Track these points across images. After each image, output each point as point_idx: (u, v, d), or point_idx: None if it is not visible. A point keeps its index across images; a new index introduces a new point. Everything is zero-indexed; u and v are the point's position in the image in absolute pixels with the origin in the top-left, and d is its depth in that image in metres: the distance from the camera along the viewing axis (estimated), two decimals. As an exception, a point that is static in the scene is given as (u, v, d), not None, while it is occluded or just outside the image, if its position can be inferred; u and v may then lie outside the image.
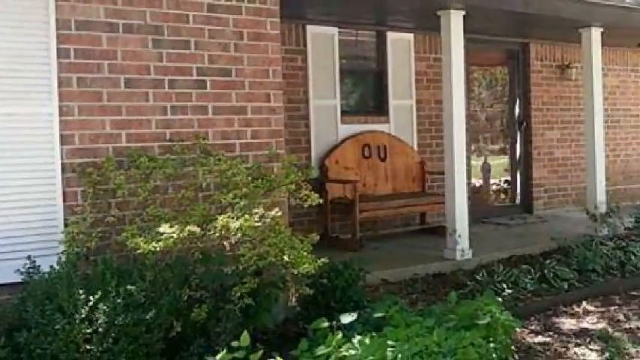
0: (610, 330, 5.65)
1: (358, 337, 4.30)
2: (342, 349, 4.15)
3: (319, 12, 8.34)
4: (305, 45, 8.62)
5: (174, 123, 5.46)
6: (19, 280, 4.52)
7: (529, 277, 6.86)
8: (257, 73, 5.86)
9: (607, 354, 5.07)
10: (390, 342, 4.20)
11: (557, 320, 5.93)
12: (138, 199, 4.93)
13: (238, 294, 4.49)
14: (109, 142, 5.17)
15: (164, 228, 4.38)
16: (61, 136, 5.01)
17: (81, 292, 4.15)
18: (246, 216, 4.49)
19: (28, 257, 4.54)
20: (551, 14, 8.28)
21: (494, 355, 4.30)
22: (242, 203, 4.70)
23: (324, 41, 8.78)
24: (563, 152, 11.26)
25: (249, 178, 5.03)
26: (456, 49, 7.61)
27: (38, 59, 4.98)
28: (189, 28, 5.52)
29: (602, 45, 9.32)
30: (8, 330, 4.23)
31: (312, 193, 5.01)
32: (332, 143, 8.83)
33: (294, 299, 4.83)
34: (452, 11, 7.54)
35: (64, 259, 4.53)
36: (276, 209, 4.74)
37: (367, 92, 9.66)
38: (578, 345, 5.31)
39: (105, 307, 4.10)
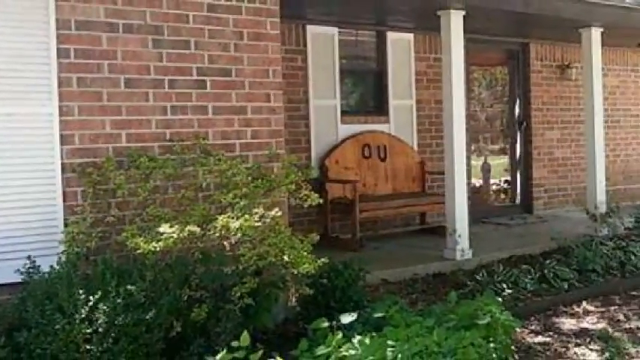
0: (610, 330, 5.65)
1: (358, 337, 4.31)
2: (342, 349, 4.15)
3: (319, 12, 8.35)
4: (305, 45, 8.62)
5: (174, 123, 5.47)
6: (19, 280, 4.52)
7: (529, 277, 6.86)
8: (257, 73, 5.86)
9: (607, 354, 5.07)
10: (390, 342, 4.20)
11: (557, 320, 5.93)
12: (138, 199, 4.93)
13: (238, 294, 4.49)
14: (109, 142, 5.17)
15: (164, 228, 4.38)
16: (61, 136, 5.01)
17: (81, 292, 4.15)
18: (246, 216, 4.49)
19: (28, 257, 4.54)
20: (551, 14, 8.29)
21: (494, 355, 4.30)
22: (242, 203, 4.70)
23: (324, 41, 8.78)
24: (563, 152, 11.27)
25: (249, 178, 5.03)
26: (456, 49, 7.61)
27: (38, 59, 4.98)
28: (189, 28, 5.53)
29: (602, 45, 9.32)
30: (8, 330, 4.23)
31: (312, 193, 5.01)
32: (332, 143, 8.84)
33: (294, 299, 4.84)
34: (452, 11, 7.54)
35: (64, 259, 4.53)
36: (276, 209, 4.74)
37: (367, 92, 9.67)
38: (578, 345, 5.32)
39: (105, 307, 4.10)
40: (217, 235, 4.51)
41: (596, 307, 6.32)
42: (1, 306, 4.40)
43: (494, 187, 11.44)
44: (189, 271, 4.61)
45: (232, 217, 4.50)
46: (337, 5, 8.08)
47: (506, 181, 11.38)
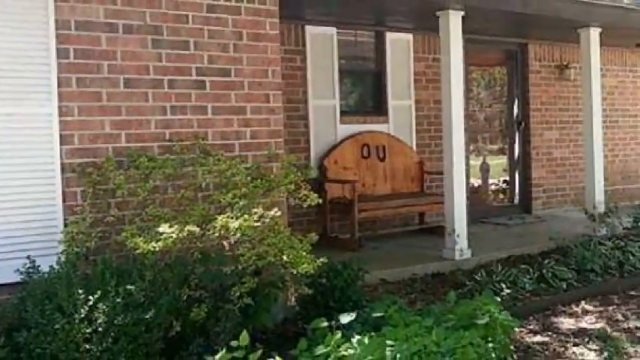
0: (608, 329, 5.66)
1: (357, 337, 4.31)
2: (341, 349, 4.15)
3: (318, 12, 8.35)
4: (304, 45, 8.63)
5: (173, 123, 5.48)
6: (19, 280, 4.53)
7: (528, 276, 6.87)
8: (256, 74, 5.87)
9: (605, 353, 5.08)
10: (388, 341, 4.20)
11: (555, 320, 5.94)
12: (137, 199, 4.94)
13: (237, 294, 4.50)
14: (108, 142, 5.18)
15: (163, 228, 4.38)
16: (61, 136, 5.02)
17: (80, 291, 4.16)
18: (246, 216, 4.50)
19: (28, 257, 4.56)
20: (550, 14, 8.30)
21: (492, 355, 4.30)
22: (241, 203, 4.71)
23: (323, 41, 8.79)
24: (562, 152, 11.28)
25: (249, 178, 5.04)
26: (454, 49, 7.62)
27: (38, 59, 4.99)
28: (188, 28, 5.54)
29: (601, 45, 9.33)
30: (8, 330, 4.24)
31: (311, 193, 5.02)
32: (331, 143, 8.84)
33: (293, 299, 4.85)
34: (451, 12, 7.55)
35: (63, 258, 4.54)
36: (276, 209, 4.75)
37: (366, 92, 9.67)
38: (576, 345, 5.32)
39: (104, 307, 4.11)
40: (217, 235, 4.52)
41: (595, 306, 6.33)
42: (1, 306, 4.42)
43: (492, 187, 11.45)
44: (189, 271, 4.62)
45: (231, 217, 4.51)
46: (336, 6, 8.08)
47: (504, 181, 11.39)
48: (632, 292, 6.78)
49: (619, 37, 10.35)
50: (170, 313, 4.37)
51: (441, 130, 8.02)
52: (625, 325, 5.79)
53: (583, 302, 6.40)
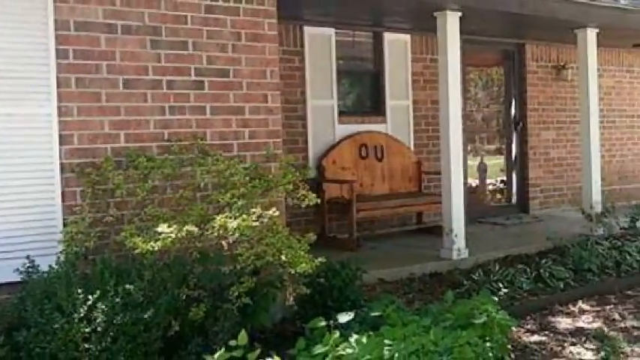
0: (605, 329, 5.68)
1: (355, 336, 4.33)
2: (339, 348, 4.17)
3: (316, 13, 8.37)
4: (302, 46, 8.65)
5: (172, 123, 5.49)
6: (19, 280, 4.54)
7: (525, 276, 6.89)
8: (255, 74, 5.89)
9: (602, 353, 5.10)
10: (386, 341, 4.22)
11: (553, 319, 5.96)
12: (136, 198, 4.95)
13: (236, 293, 4.52)
14: (107, 143, 5.20)
15: (162, 228, 4.40)
16: (60, 136, 5.03)
17: (80, 291, 4.17)
18: (244, 216, 4.51)
19: (27, 257, 4.57)
20: (547, 15, 8.32)
21: (490, 354, 4.32)
22: (240, 203, 4.72)
23: (321, 42, 8.81)
24: (559, 152, 11.30)
25: (247, 178, 5.05)
26: (452, 49, 7.64)
27: (37, 60, 5.00)
28: (187, 29, 5.55)
29: (598, 46, 9.35)
30: (7, 329, 4.25)
31: (310, 193, 5.04)
32: (329, 143, 8.86)
33: (291, 298, 4.85)
34: (448, 12, 7.57)
35: (62, 258, 4.55)
36: (274, 209, 4.76)
37: (364, 93, 9.69)
38: (573, 344, 5.34)
39: (103, 307, 4.12)
40: (215, 234, 4.53)
41: (592, 306, 6.35)
42: (1, 305, 4.43)
43: (490, 187, 11.47)
44: (187, 271, 4.63)
45: (230, 217, 4.52)
46: (334, 6, 8.10)
47: (502, 181, 11.42)
48: (629, 292, 6.81)
49: (616, 37, 10.37)
50: (169, 313, 4.38)
51: (438, 130, 8.03)
52: (622, 325, 5.81)
53: (580, 302, 6.42)
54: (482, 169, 11.18)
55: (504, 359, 4.70)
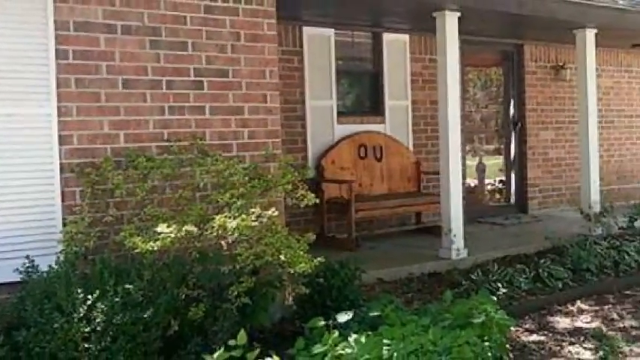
0: (604, 329, 5.69)
1: (354, 336, 4.33)
2: (338, 348, 4.17)
3: (315, 13, 8.38)
4: (301, 46, 8.66)
5: (171, 123, 5.50)
6: (18, 280, 4.55)
7: (524, 276, 6.89)
8: (254, 74, 5.90)
9: (601, 352, 5.11)
10: (385, 340, 4.23)
11: (551, 319, 5.97)
12: (136, 198, 4.96)
13: (235, 293, 4.52)
14: (107, 143, 5.21)
15: (162, 227, 4.40)
16: (60, 136, 5.04)
17: (79, 291, 4.18)
18: (243, 216, 4.51)
19: (27, 257, 4.58)
20: (546, 15, 8.33)
21: (489, 354, 4.33)
22: (239, 203, 4.73)
23: (320, 42, 8.82)
24: (558, 152, 11.31)
25: (246, 178, 5.06)
26: (451, 50, 7.65)
27: (37, 60, 5.01)
28: (186, 29, 5.56)
29: (596, 46, 9.37)
30: (7, 329, 4.26)
31: (309, 193, 5.05)
32: (328, 143, 8.87)
33: (290, 298, 4.86)
34: (447, 12, 7.58)
35: (62, 258, 4.55)
36: (273, 209, 4.77)
37: (363, 93, 9.70)
38: (572, 344, 5.35)
39: (103, 306, 4.12)
40: (214, 234, 4.53)
41: (591, 306, 6.36)
42: (0, 305, 4.43)
43: (489, 187, 11.47)
44: (187, 271, 4.64)
45: (229, 217, 4.53)
46: (333, 7, 8.11)
47: (500, 181, 11.42)
48: (628, 292, 6.82)
49: (614, 37, 10.38)
50: (168, 313, 4.39)
51: (437, 131, 8.04)
52: (620, 325, 5.83)
53: (579, 301, 6.44)
54: (481, 169, 11.19)
55: (503, 359, 4.71)
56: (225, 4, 5.73)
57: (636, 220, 9.01)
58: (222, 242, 4.66)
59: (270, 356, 4.27)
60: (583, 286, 6.92)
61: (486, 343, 4.41)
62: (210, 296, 4.58)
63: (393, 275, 7.03)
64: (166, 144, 5.41)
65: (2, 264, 4.77)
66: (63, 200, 5.03)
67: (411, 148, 9.61)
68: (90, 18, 5.14)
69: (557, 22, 8.65)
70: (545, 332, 5.62)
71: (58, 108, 5.04)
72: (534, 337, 5.49)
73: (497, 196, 11.44)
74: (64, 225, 4.88)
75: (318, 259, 4.72)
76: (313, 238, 4.92)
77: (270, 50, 5.99)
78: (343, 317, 4.63)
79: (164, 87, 5.47)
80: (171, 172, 5.16)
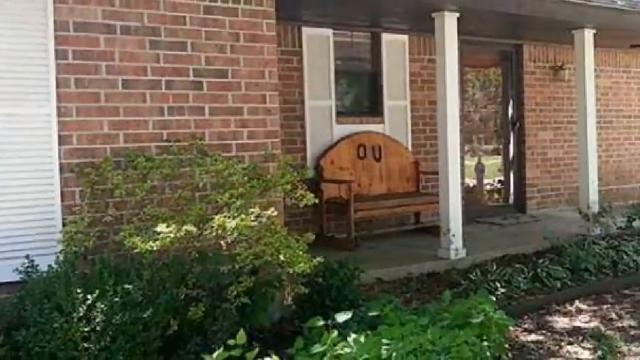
0: (602, 328, 5.70)
1: (353, 336, 4.34)
2: (337, 348, 4.18)
3: (314, 14, 8.38)
4: (300, 46, 8.67)
5: (171, 124, 5.51)
6: (18, 279, 4.57)
7: (522, 276, 6.90)
8: (253, 75, 5.91)
9: (599, 352, 5.12)
10: (384, 340, 4.24)
11: (550, 319, 5.98)
12: (135, 198, 4.97)
13: (235, 293, 4.53)
14: (106, 143, 5.22)
15: (161, 227, 4.42)
16: (59, 136, 5.05)
17: (79, 290, 4.19)
18: (243, 215, 4.52)
19: (27, 256, 4.59)
20: (545, 16, 8.34)
21: (487, 354, 4.34)
22: (238, 203, 4.74)
23: (319, 43, 8.83)
24: (556, 152, 11.33)
25: (246, 178, 5.07)
26: (450, 50, 7.66)
27: (37, 60, 5.02)
28: (185, 29, 5.57)
29: (595, 46, 9.37)
30: (7, 328, 4.26)
31: (308, 192, 5.06)
32: (327, 143, 8.88)
33: (289, 298, 4.87)
34: (446, 13, 7.59)
35: (62, 258, 4.56)
36: (272, 209, 4.79)
37: (362, 93, 9.71)
38: (570, 343, 5.37)
39: (102, 306, 4.13)
40: (214, 234, 4.54)
41: (589, 305, 6.37)
42: (0, 305, 4.44)
43: (487, 187, 11.48)
44: (186, 270, 4.65)
45: (228, 217, 4.54)
46: (332, 7, 8.12)
47: (499, 181, 11.43)
48: (626, 291, 6.84)
49: (613, 38, 10.39)
50: (168, 312, 4.39)
51: (436, 131, 8.05)
52: (619, 324, 5.84)
53: (577, 301, 6.45)
54: (480, 169, 11.20)
55: (502, 358, 4.73)
56: (225, 5, 5.74)
57: (634, 220, 9.04)
58: (222, 242, 4.67)
59: (270, 356, 4.27)
60: (581, 286, 6.93)
61: (485, 343, 4.41)
62: (209, 296, 4.59)
63: (391, 275, 7.04)
64: (166, 144, 5.42)
65: (2, 264, 4.78)
66: (62, 200, 5.04)
67: (409, 148, 9.62)
68: (89, 18, 5.15)
69: (556, 22, 8.66)
70: (544, 332, 5.63)
71: (58, 108, 5.05)
72: (533, 337, 5.50)
73: (496, 196, 11.44)
74: (64, 225, 4.89)
75: (318, 258, 4.72)
76: (312, 238, 4.93)
77: (269, 51, 6.00)
78: (342, 317, 4.63)
79: (163, 87, 5.48)
80: (171, 172, 5.17)
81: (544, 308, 6.24)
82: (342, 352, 4.15)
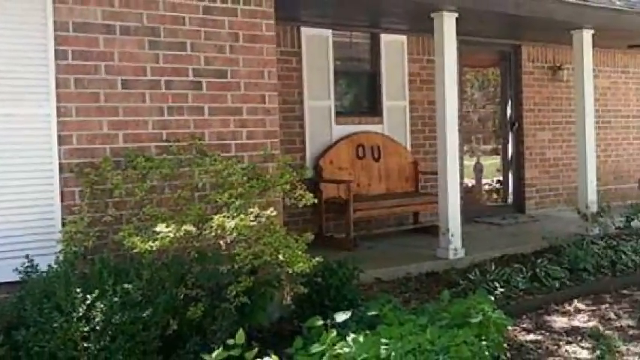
0: (601, 328, 5.70)
1: (352, 335, 4.34)
2: (336, 347, 4.18)
3: (314, 14, 8.39)
4: (300, 47, 8.68)
5: (170, 124, 5.52)
6: (18, 279, 4.57)
7: (521, 275, 6.91)
8: (252, 75, 5.92)
9: (598, 352, 5.12)
10: (383, 340, 4.25)
11: (548, 318, 5.99)
12: (135, 198, 4.97)
13: (234, 292, 4.54)
14: (106, 143, 5.23)
15: (160, 227, 4.42)
16: (59, 136, 5.06)
17: (78, 290, 4.19)
18: (242, 215, 4.53)
19: (27, 256, 4.59)
20: (543, 16, 8.34)
21: (486, 353, 4.35)
22: (237, 203, 4.75)
23: (318, 43, 8.84)
24: (555, 153, 11.34)
25: (245, 178, 5.08)
26: (448, 50, 7.67)
27: (36, 61, 5.03)
28: (185, 30, 5.58)
29: (593, 47, 9.39)
30: (7, 328, 4.26)
31: (307, 192, 5.06)
32: (326, 144, 8.89)
33: (289, 298, 4.88)
34: (445, 13, 7.60)
35: (61, 258, 4.57)
36: (271, 209, 4.79)
37: (361, 93, 9.71)
38: (569, 343, 5.37)
39: (102, 306, 4.13)
40: (213, 234, 4.55)
41: (588, 305, 6.38)
42: (0, 305, 4.44)
43: (486, 187, 11.50)
44: (186, 270, 4.65)
45: (228, 217, 4.55)
46: (331, 7, 8.13)
47: (498, 181, 11.44)
48: (625, 291, 6.83)
49: (611, 38, 10.40)
50: (167, 312, 4.40)
51: (435, 131, 8.07)
52: (617, 324, 5.84)
53: (576, 301, 6.45)
54: (479, 169, 11.21)
55: (500, 358, 4.74)
56: (224, 5, 5.75)
57: (633, 219, 9.04)
58: (221, 242, 4.67)
59: (269, 355, 4.28)
60: (580, 286, 6.94)
61: (484, 343, 4.42)
62: (208, 296, 4.60)
63: (390, 275, 7.05)
64: (165, 144, 5.43)
65: (2, 264, 4.79)
66: (62, 200, 5.05)
67: (408, 148, 9.63)
68: (89, 19, 5.16)
69: (555, 22, 8.67)
70: (543, 331, 5.64)
71: (58, 108, 5.06)
72: (531, 337, 5.51)
73: (495, 196, 11.46)
74: (64, 225, 4.89)
75: (317, 258, 4.73)
76: (311, 237, 4.94)
77: (268, 51, 6.01)
78: (341, 317, 4.64)
79: (163, 87, 5.49)
80: (170, 172, 5.18)
81: (543, 308, 6.24)
82: (341, 351, 4.16)
